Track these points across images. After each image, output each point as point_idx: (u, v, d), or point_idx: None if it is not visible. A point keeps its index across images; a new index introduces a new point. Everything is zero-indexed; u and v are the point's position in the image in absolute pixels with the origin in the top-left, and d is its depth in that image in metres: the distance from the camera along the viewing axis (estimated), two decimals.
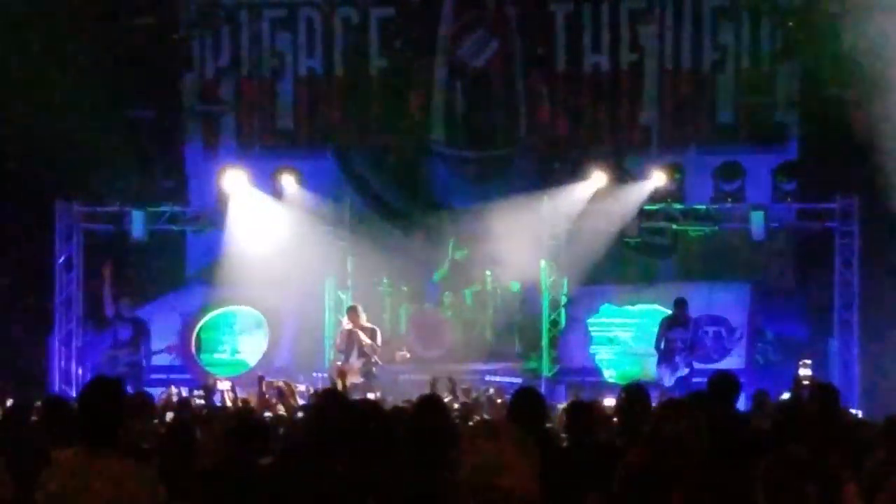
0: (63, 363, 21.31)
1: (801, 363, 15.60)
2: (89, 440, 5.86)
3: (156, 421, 10.40)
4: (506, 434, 4.20)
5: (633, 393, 8.01)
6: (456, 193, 22.94)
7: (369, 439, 5.59)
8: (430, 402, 8.37)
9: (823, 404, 9.29)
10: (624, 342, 21.56)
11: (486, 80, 23.32)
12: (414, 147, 23.53)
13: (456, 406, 14.28)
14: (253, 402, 13.29)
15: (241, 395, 13.54)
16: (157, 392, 14.56)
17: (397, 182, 23.35)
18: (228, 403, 12.61)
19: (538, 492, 4.22)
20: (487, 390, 17.63)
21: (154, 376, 20.10)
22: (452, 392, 15.06)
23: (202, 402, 12.09)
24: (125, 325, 20.68)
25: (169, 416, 11.89)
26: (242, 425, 7.57)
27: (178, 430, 8.53)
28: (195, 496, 7.03)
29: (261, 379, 12.19)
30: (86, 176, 21.97)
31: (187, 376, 20.06)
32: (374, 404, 6.03)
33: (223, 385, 13.36)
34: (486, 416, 13.24)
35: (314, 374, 19.37)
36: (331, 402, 6.89)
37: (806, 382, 15.19)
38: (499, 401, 15.45)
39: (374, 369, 18.54)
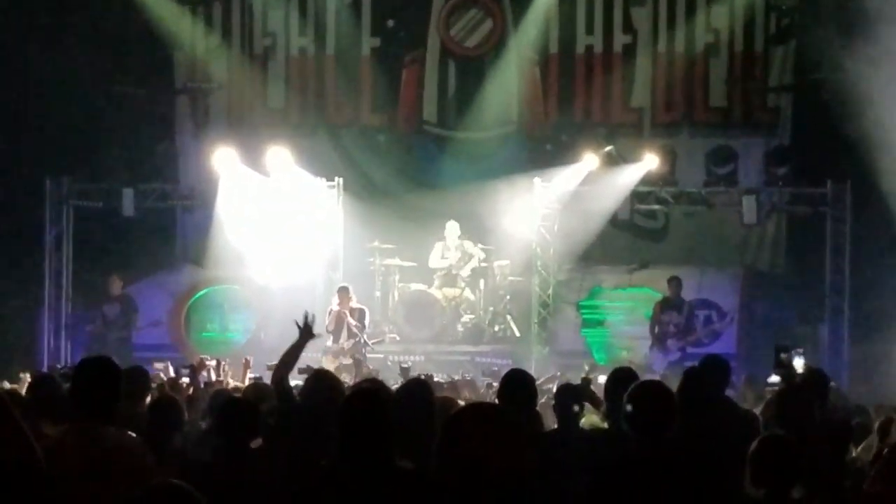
0: (52, 340, 21.28)
1: (794, 351, 15.53)
2: (84, 417, 5.88)
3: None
4: (495, 417, 4.17)
5: (621, 376, 7.99)
6: (447, 174, 22.88)
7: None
8: (414, 386, 8.33)
9: (813, 389, 9.29)
10: (614, 325, 21.54)
11: (478, 61, 23.28)
12: (405, 127, 23.50)
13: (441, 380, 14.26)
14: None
15: (228, 373, 13.47)
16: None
17: (389, 162, 23.31)
18: (213, 378, 12.54)
19: (527, 475, 4.19)
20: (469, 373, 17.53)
21: (144, 354, 20.01)
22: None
23: (188, 380, 12.00)
24: (112, 304, 20.59)
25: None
26: (230, 408, 7.49)
27: (164, 407, 8.47)
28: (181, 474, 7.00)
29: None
30: (76, 153, 21.91)
31: (177, 355, 19.98)
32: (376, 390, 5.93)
33: (210, 363, 13.30)
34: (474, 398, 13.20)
35: (303, 355, 19.27)
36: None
37: (800, 371, 15.15)
38: (487, 382, 15.41)
39: (363, 350, 18.53)
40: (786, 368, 9.79)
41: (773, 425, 8.13)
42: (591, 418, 9.31)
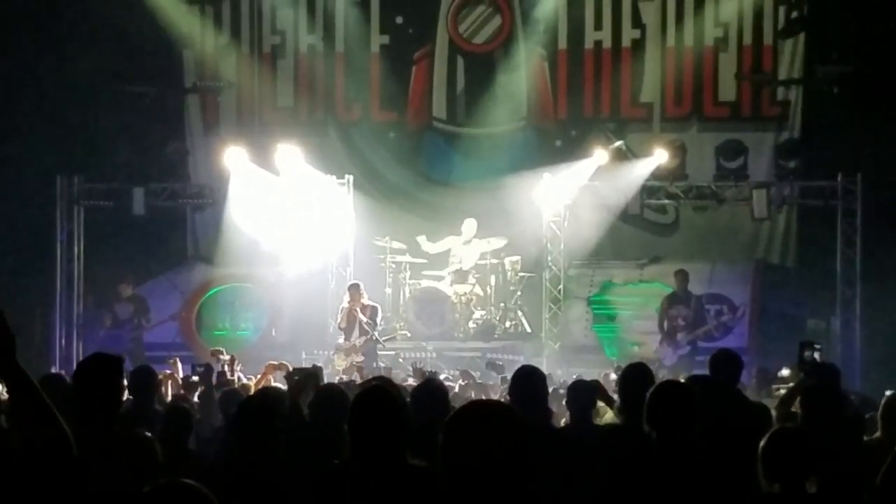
0: (64, 339, 21.28)
1: (807, 344, 15.49)
2: (87, 418, 5.76)
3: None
4: (497, 414, 4.15)
5: (634, 372, 7.97)
6: (457, 170, 22.94)
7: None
8: (425, 387, 8.31)
9: (825, 383, 9.28)
10: (626, 320, 21.51)
11: (487, 57, 23.28)
12: (415, 124, 23.51)
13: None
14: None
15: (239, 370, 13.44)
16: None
17: (398, 159, 23.34)
18: (228, 376, 12.52)
19: (534, 472, 4.18)
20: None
21: (156, 353, 20.02)
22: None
23: (196, 378, 11.99)
24: (123, 305, 20.59)
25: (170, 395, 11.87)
26: (246, 408, 7.42)
27: (177, 413, 8.45)
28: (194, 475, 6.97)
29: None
30: (87, 153, 21.94)
31: (189, 353, 19.98)
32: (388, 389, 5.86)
33: (225, 358, 13.30)
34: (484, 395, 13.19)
35: (315, 352, 19.33)
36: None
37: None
38: (502, 377, 15.39)
39: (375, 347, 18.53)
40: (810, 365, 9.77)
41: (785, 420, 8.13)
42: (608, 415, 9.32)
